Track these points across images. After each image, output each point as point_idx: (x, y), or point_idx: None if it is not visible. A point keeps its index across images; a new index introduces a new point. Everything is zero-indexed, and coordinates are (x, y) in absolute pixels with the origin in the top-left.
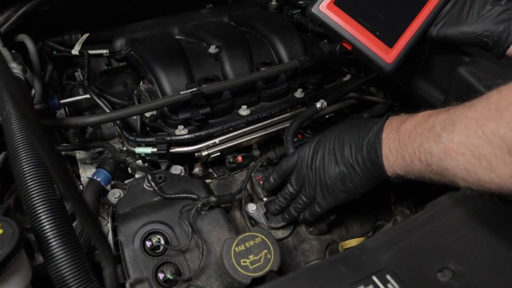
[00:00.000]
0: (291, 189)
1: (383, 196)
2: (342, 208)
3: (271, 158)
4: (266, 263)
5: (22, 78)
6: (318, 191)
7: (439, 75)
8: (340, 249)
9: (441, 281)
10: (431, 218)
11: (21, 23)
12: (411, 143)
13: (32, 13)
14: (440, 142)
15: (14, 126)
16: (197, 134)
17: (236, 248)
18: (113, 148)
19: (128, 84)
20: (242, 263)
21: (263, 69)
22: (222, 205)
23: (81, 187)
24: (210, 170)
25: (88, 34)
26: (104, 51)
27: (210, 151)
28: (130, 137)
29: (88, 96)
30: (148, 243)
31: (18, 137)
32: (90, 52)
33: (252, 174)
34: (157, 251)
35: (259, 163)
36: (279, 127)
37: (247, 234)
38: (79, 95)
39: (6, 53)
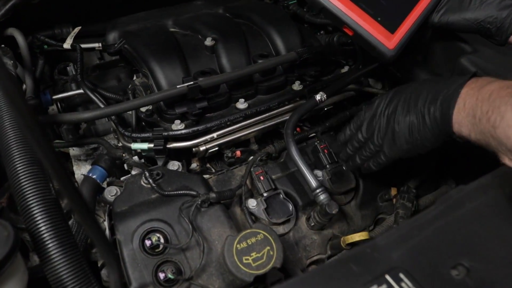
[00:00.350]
0: (360, 136)
1: (384, 189)
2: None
3: (270, 152)
4: (268, 260)
5: (13, 73)
6: (386, 139)
7: (439, 65)
8: (342, 244)
9: (455, 279)
10: (442, 213)
11: (10, 17)
12: (489, 102)
13: (22, 6)
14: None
15: (6, 123)
16: (195, 128)
17: (238, 246)
18: (109, 144)
19: (122, 78)
20: (245, 261)
21: (260, 61)
22: (222, 201)
23: (76, 185)
24: (208, 165)
25: (80, 28)
26: (97, 45)
27: (208, 146)
28: (126, 133)
29: (81, 91)
30: (147, 242)
31: (11, 134)
32: (82, 46)
33: (252, 169)
34: (156, 250)
35: (259, 158)
36: (278, 120)
37: (248, 231)
38: (71, 90)
39: None
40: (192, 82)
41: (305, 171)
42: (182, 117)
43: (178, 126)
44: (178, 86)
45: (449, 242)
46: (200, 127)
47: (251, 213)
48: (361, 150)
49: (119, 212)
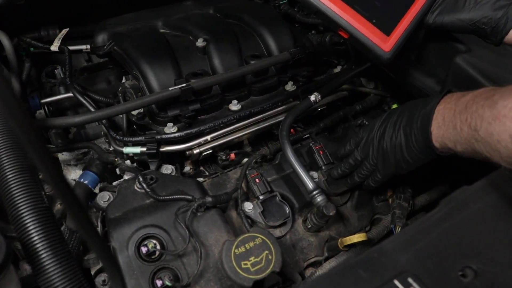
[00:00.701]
0: (357, 155)
1: (379, 190)
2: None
3: (265, 154)
4: (267, 264)
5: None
6: (379, 158)
7: (434, 65)
8: (339, 245)
9: (463, 282)
10: (446, 216)
11: None
12: (466, 110)
13: (6, 8)
14: (494, 108)
15: None
16: (188, 131)
17: (236, 250)
18: (100, 149)
19: (111, 81)
20: (243, 266)
21: (253, 62)
22: (218, 205)
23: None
24: (201, 168)
25: (68, 29)
26: (84, 47)
27: (202, 149)
28: (118, 137)
29: (70, 94)
30: (144, 249)
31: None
32: (70, 48)
33: (247, 172)
34: (152, 257)
35: (254, 160)
36: (272, 122)
37: (246, 235)
38: (60, 93)
39: None
40: (184, 84)
41: (302, 173)
42: (175, 120)
43: (171, 129)
44: (170, 89)
45: (455, 244)
46: (193, 130)
47: (247, 217)
48: (359, 169)
49: (112, 218)
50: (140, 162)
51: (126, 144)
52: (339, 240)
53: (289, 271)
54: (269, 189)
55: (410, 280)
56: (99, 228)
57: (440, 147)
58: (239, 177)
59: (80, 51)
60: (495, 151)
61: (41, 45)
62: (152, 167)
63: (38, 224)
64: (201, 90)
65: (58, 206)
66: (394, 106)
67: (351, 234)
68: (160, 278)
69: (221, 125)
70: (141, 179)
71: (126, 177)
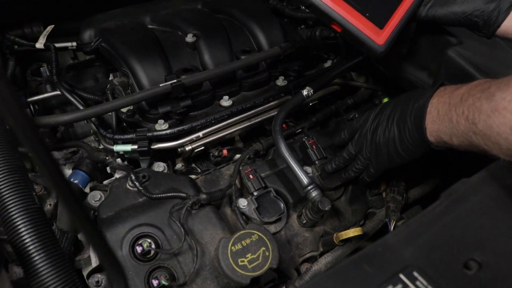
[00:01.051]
0: (351, 149)
1: (373, 184)
2: (333, 197)
3: (258, 150)
4: (264, 261)
5: None
6: (372, 152)
7: (425, 58)
8: (335, 240)
9: (468, 274)
10: (448, 209)
11: None
12: (462, 103)
13: None
14: (492, 100)
15: None
16: (180, 128)
17: (232, 248)
18: (90, 147)
19: (99, 79)
20: (240, 263)
21: (243, 57)
22: (212, 202)
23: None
24: (193, 165)
25: (52, 26)
26: (70, 44)
27: (194, 146)
28: (108, 135)
29: (58, 92)
30: (138, 249)
31: None
32: (56, 45)
33: (240, 168)
34: (147, 256)
35: (247, 156)
36: (264, 117)
37: (243, 232)
38: (46, 92)
39: None
40: (175, 80)
41: (296, 168)
42: (166, 117)
43: (162, 126)
44: (161, 85)
45: (458, 237)
46: (185, 126)
47: (242, 213)
48: (353, 163)
49: (105, 218)
50: (131, 160)
51: (116, 142)
52: (335, 235)
53: (285, 267)
54: (263, 185)
55: (415, 273)
56: None
57: (435, 141)
58: (233, 173)
59: (66, 48)
60: (495, 144)
61: (26, 42)
62: (143, 165)
63: (29, 225)
64: (192, 86)
65: (48, 207)
66: (385, 99)
67: (345, 229)
68: (156, 278)
69: (213, 121)
70: (133, 177)
71: (117, 175)
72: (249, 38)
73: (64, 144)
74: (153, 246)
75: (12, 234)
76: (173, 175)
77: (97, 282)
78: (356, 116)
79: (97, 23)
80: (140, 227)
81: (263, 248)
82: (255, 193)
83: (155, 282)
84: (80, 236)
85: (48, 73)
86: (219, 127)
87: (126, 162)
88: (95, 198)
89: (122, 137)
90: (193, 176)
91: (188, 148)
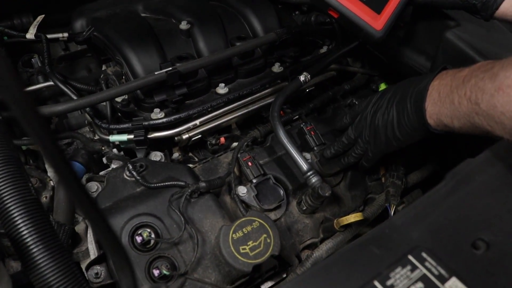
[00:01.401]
0: (350, 133)
1: (372, 169)
2: (332, 184)
3: (256, 137)
4: (266, 248)
5: None
6: (370, 136)
7: (423, 41)
8: (335, 226)
9: (476, 254)
10: (453, 189)
11: None
12: (464, 84)
13: None
14: (495, 79)
15: None
16: (177, 116)
17: (233, 235)
18: (85, 138)
19: (92, 69)
20: (242, 251)
21: (238, 44)
22: (211, 190)
23: (51, 183)
24: (190, 154)
25: (43, 16)
26: (61, 35)
27: (191, 134)
28: (103, 125)
29: (51, 83)
30: (138, 239)
31: None
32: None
33: (239, 155)
34: (147, 246)
35: (245, 143)
36: (261, 104)
37: (244, 219)
38: (39, 83)
39: None
40: (170, 68)
41: (295, 154)
42: (161, 105)
43: (158, 115)
44: (156, 73)
45: (465, 217)
46: (182, 115)
47: (242, 201)
48: (353, 148)
49: (103, 208)
50: (127, 151)
51: (111, 132)
52: (335, 221)
53: (285, 254)
54: (262, 172)
55: (424, 254)
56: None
57: (435, 124)
58: (231, 161)
59: (57, 39)
60: (498, 124)
61: (16, 33)
62: (140, 155)
63: (26, 217)
64: (187, 73)
65: (43, 199)
66: (382, 84)
67: (345, 215)
68: (157, 267)
69: (209, 109)
70: (130, 167)
71: (113, 166)
72: (244, 25)
73: (58, 135)
74: (152, 235)
75: (9, 227)
76: (170, 164)
77: (97, 274)
78: (354, 101)
79: (88, 12)
80: (139, 217)
81: (265, 235)
82: (254, 181)
83: (156, 272)
84: (77, 229)
85: (39, 64)
86: (216, 115)
87: (122, 153)
88: (92, 189)
89: (117, 126)
90: (190, 165)
91: (185, 136)
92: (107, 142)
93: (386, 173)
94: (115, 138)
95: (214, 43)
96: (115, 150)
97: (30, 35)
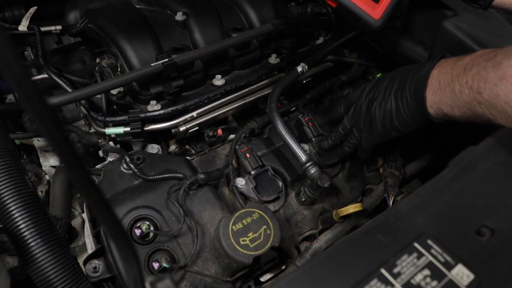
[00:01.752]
0: (346, 123)
1: (370, 160)
2: (330, 175)
3: (253, 129)
4: (266, 239)
5: None
6: (366, 125)
7: (421, 31)
8: (334, 217)
9: (481, 241)
10: (457, 176)
11: None
12: (465, 73)
13: None
14: (499, 68)
15: None
16: (174, 108)
17: (233, 227)
18: (81, 131)
19: (86, 61)
20: (242, 242)
21: (234, 35)
22: (210, 182)
23: (46, 177)
24: (187, 146)
25: (36, 8)
26: (53, 28)
27: (188, 126)
28: (99, 117)
29: (45, 76)
30: (137, 231)
31: None
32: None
33: (237, 147)
34: (146, 239)
35: (243, 135)
36: (258, 96)
37: (243, 210)
38: (32, 76)
39: None
40: (167, 59)
41: (294, 145)
42: (158, 98)
43: (154, 107)
44: (152, 64)
45: (469, 204)
46: (179, 106)
47: (240, 193)
48: (349, 138)
49: None
50: (123, 144)
51: (107, 125)
52: (334, 212)
53: (285, 246)
54: (260, 164)
55: (429, 242)
56: (85, 214)
57: (435, 113)
58: (229, 152)
59: (49, 32)
60: (501, 113)
61: (8, 25)
62: (136, 147)
63: (24, 211)
64: (184, 65)
65: (39, 194)
66: (379, 75)
67: (344, 206)
68: (157, 260)
69: (206, 101)
70: (127, 159)
71: (110, 159)
72: (240, 16)
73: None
74: (151, 228)
75: (6, 220)
76: (168, 156)
77: (95, 268)
78: (351, 92)
79: (82, 4)
80: (137, 209)
81: (265, 227)
82: (253, 172)
83: (155, 265)
84: (73, 223)
85: (33, 57)
86: (213, 107)
87: (118, 146)
88: None
89: (114, 119)
90: (188, 158)
91: (182, 128)
92: (103, 135)
93: (384, 164)
94: (111, 130)
95: (210, 34)
96: (111, 143)
97: (23, 27)
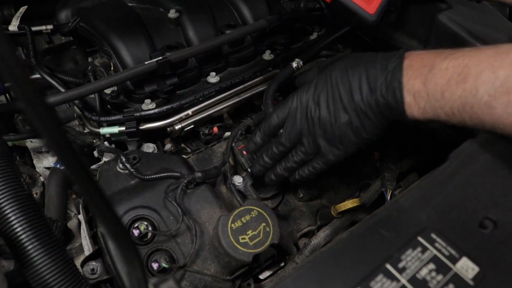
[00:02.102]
0: (281, 148)
1: (366, 154)
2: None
3: (250, 125)
4: (266, 236)
5: None
6: (323, 145)
7: (415, 25)
8: (333, 212)
9: (484, 233)
10: (458, 169)
11: None
12: (447, 102)
13: None
14: (493, 113)
15: None
16: (169, 106)
17: (232, 225)
18: (75, 131)
19: (78, 61)
20: (241, 240)
21: (228, 32)
22: (207, 181)
23: (41, 178)
24: (183, 145)
25: (26, 7)
26: (44, 28)
27: (183, 124)
28: (94, 117)
29: (37, 76)
30: (135, 232)
31: None
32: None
33: (233, 144)
34: (144, 239)
35: (239, 132)
36: (253, 92)
37: (242, 208)
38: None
39: None
40: (161, 57)
41: None
42: (152, 96)
43: (149, 106)
44: (146, 62)
45: (471, 197)
46: (174, 105)
47: (238, 190)
48: (285, 161)
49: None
50: (117, 144)
51: (101, 125)
52: (333, 208)
53: (284, 243)
54: None
55: (433, 235)
56: (81, 216)
57: (411, 120)
58: (226, 150)
59: (40, 32)
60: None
61: None
62: (131, 147)
63: (20, 213)
64: (178, 63)
65: (34, 196)
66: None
67: (342, 201)
68: (156, 261)
69: (201, 99)
70: (123, 159)
71: (105, 159)
72: (233, 13)
73: None
74: (150, 228)
75: (2, 223)
76: (164, 155)
77: (92, 269)
78: None
79: (73, 3)
80: (135, 209)
81: (264, 224)
82: (250, 169)
83: (155, 265)
84: (69, 225)
85: (24, 57)
86: (208, 104)
87: (113, 146)
88: None
89: (108, 118)
90: (184, 156)
91: (177, 127)
92: (98, 135)
93: (381, 158)
94: (106, 130)
95: (204, 31)
96: (106, 143)
97: (13, 27)
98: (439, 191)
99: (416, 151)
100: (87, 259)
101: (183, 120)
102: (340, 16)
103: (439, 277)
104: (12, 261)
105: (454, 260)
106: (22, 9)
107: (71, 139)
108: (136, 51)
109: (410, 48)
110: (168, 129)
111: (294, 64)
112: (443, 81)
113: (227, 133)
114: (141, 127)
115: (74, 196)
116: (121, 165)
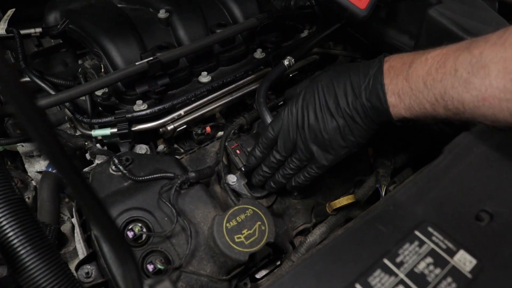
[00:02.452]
0: (278, 156)
1: (359, 151)
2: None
3: (242, 124)
4: (261, 235)
5: None
6: (315, 150)
7: (406, 20)
8: (328, 210)
9: (481, 226)
10: (453, 162)
11: None
12: (429, 90)
13: None
14: (472, 88)
15: None
16: (161, 107)
17: (227, 225)
18: (67, 134)
19: (68, 63)
20: (237, 240)
21: (218, 31)
22: (201, 181)
23: (33, 182)
24: (176, 146)
25: (14, 10)
26: (33, 31)
27: (175, 125)
28: (85, 120)
29: (27, 79)
30: (130, 234)
31: None
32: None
33: (226, 144)
34: (139, 241)
35: (232, 131)
36: (245, 91)
37: (237, 207)
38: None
39: None
40: (151, 58)
41: None
42: (144, 97)
43: (141, 107)
44: (137, 63)
45: (467, 189)
46: (166, 105)
47: (233, 190)
48: (283, 169)
49: None
50: (110, 146)
51: (93, 127)
52: (327, 205)
53: (279, 241)
54: None
55: (430, 229)
56: (75, 219)
57: (397, 120)
58: (219, 150)
59: (29, 35)
60: (488, 123)
61: None
62: (124, 149)
63: (12, 218)
64: (169, 63)
65: (26, 200)
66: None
67: (337, 198)
68: (151, 262)
69: (193, 99)
70: (116, 161)
71: (97, 161)
72: (224, 12)
73: None
74: (144, 230)
75: None
76: (157, 156)
77: (87, 273)
78: None
79: (62, 5)
80: (129, 211)
81: (259, 223)
82: (243, 168)
83: (150, 267)
84: (63, 229)
85: (13, 61)
86: (200, 104)
87: (105, 148)
88: None
89: (100, 120)
90: (177, 157)
91: (170, 127)
92: (90, 137)
93: (375, 154)
94: (98, 132)
95: (194, 31)
96: (98, 145)
97: (1, 30)
98: (435, 184)
99: (409, 146)
100: (82, 263)
101: (175, 120)
102: (330, 13)
103: (437, 270)
104: (5, 267)
105: (452, 253)
106: (10, 12)
107: (62, 142)
108: (126, 52)
109: (401, 44)
110: (160, 129)
111: (286, 62)
112: (424, 72)
113: (220, 133)
114: (133, 129)
115: (67, 199)
116: (114, 167)
